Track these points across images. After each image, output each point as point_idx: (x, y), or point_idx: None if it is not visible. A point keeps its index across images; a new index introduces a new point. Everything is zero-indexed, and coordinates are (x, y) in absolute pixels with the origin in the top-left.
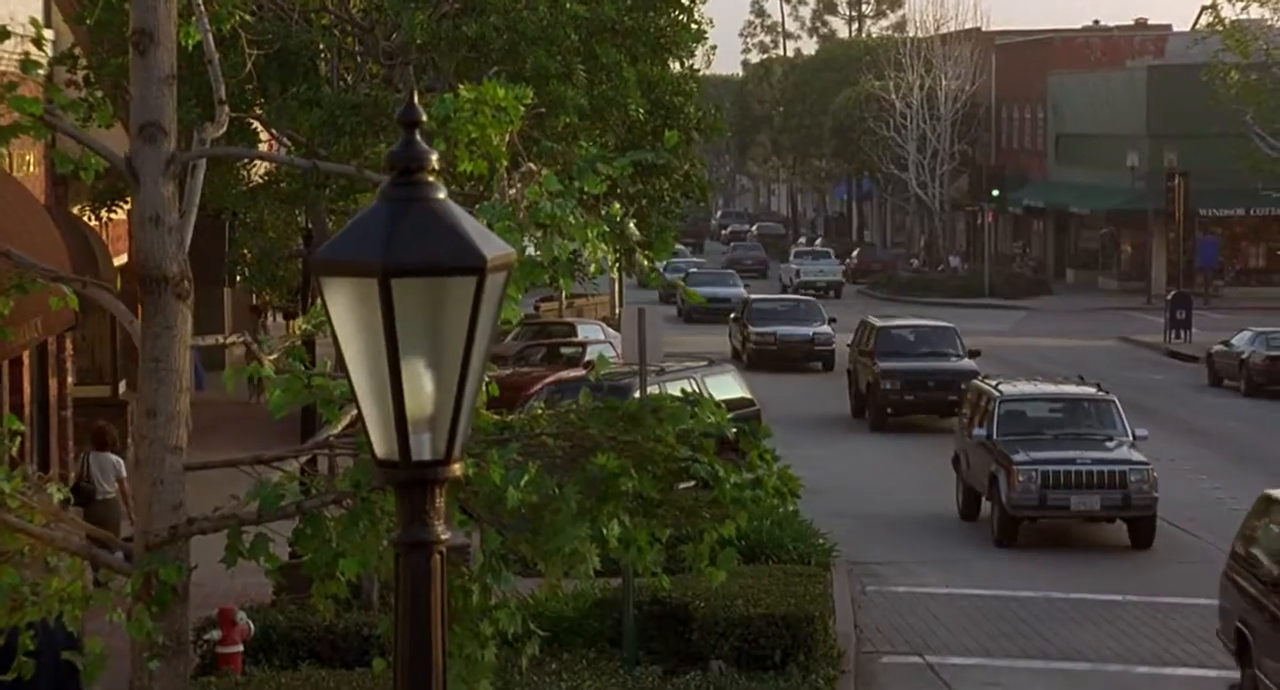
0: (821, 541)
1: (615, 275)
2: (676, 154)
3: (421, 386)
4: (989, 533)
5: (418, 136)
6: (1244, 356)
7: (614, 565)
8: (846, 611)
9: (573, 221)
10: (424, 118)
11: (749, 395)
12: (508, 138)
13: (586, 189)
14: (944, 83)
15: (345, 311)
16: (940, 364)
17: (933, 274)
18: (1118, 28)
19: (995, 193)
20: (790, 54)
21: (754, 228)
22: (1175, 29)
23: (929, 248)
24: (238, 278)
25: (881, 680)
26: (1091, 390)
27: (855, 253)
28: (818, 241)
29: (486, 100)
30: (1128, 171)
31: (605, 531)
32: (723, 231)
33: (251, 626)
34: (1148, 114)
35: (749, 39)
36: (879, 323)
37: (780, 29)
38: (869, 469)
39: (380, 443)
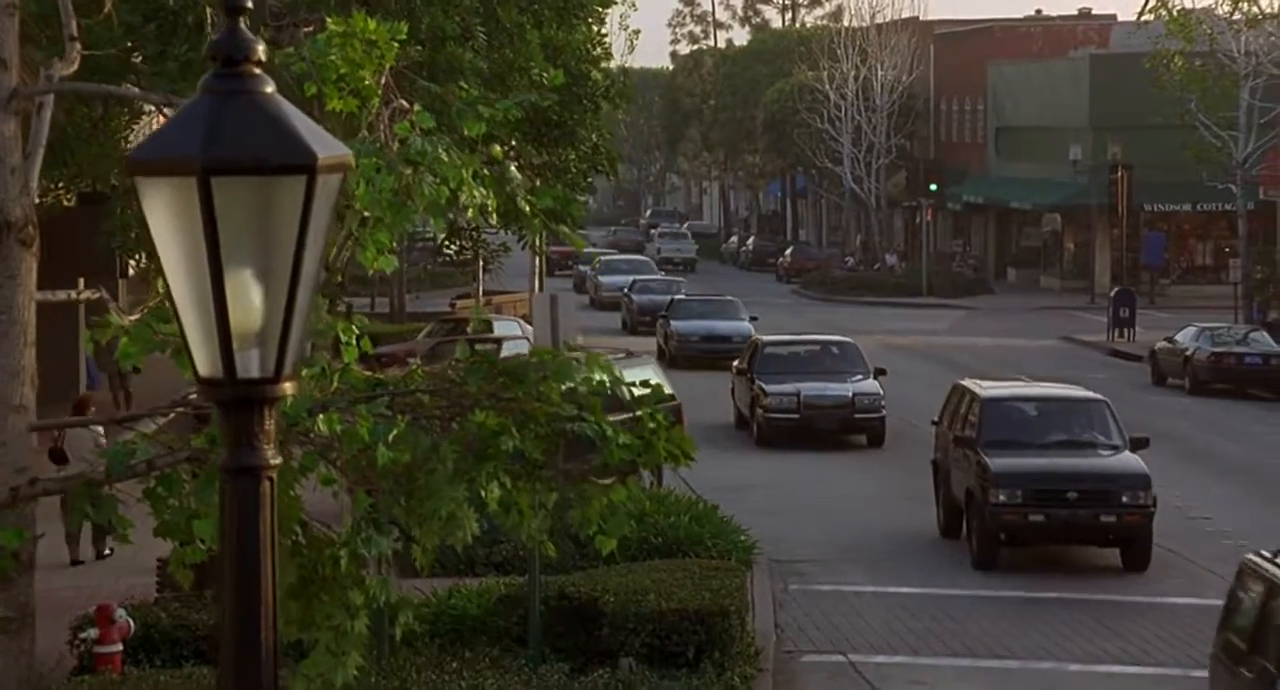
0: (743, 538)
1: (537, 268)
2: (566, 98)
3: (248, 298)
4: (925, 531)
5: (243, 24)
6: (1188, 353)
7: (523, 563)
8: (767, 609)
9: (445, 159)
10: (249, 4)
11: (669, 390)
12: (382, 77)
13: (466, 131)
14: (880, 73)
15: (163, 216)
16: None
17: (868, 273)
18: (1060, 17)
19: (933, 187)
20: (721, 45)
21: (684, 226)
22: (1120, 19)
23: (865, 246)
24: (130, 264)
25: (802, 679)
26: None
27: (788, 251)
28: (750, 240)
29: (356, 34)
30: (1070, 165)
31: (484, 494)
32: (652, 232)
33: (132, 624)
34: (1091, 105)
35: (678, 29)
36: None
37: (711, 19)
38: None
39: (203, 360)
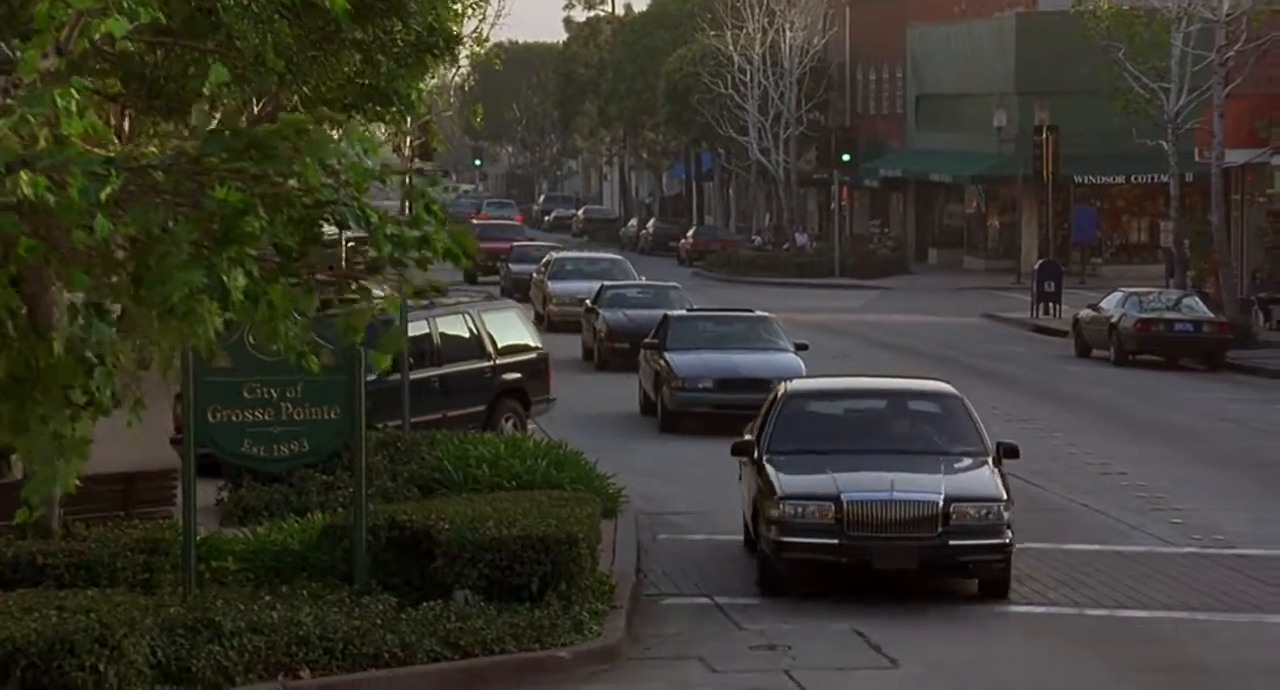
0: (609, 485)
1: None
2: None
3: None
4: None
5: None
6: (1113, 320)
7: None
8: (629, 553)
9: None
10: None
11: (534, 341)
12: None
13: None
14: (789, 35)
15: None
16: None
17: (777, 253)
18: None
19: (846, 157)
20: (620, 12)
21: (581, 212)
22: None
23: (776, 229)
24: None
25: (662, 617)
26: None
27: (690, 232)
28: (650, 223)
29: None
30: (994, 134)
31: (228, 281)
32: (545, 218)
33: None
34: (1017, 68)
35: None
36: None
37: None
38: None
39: None
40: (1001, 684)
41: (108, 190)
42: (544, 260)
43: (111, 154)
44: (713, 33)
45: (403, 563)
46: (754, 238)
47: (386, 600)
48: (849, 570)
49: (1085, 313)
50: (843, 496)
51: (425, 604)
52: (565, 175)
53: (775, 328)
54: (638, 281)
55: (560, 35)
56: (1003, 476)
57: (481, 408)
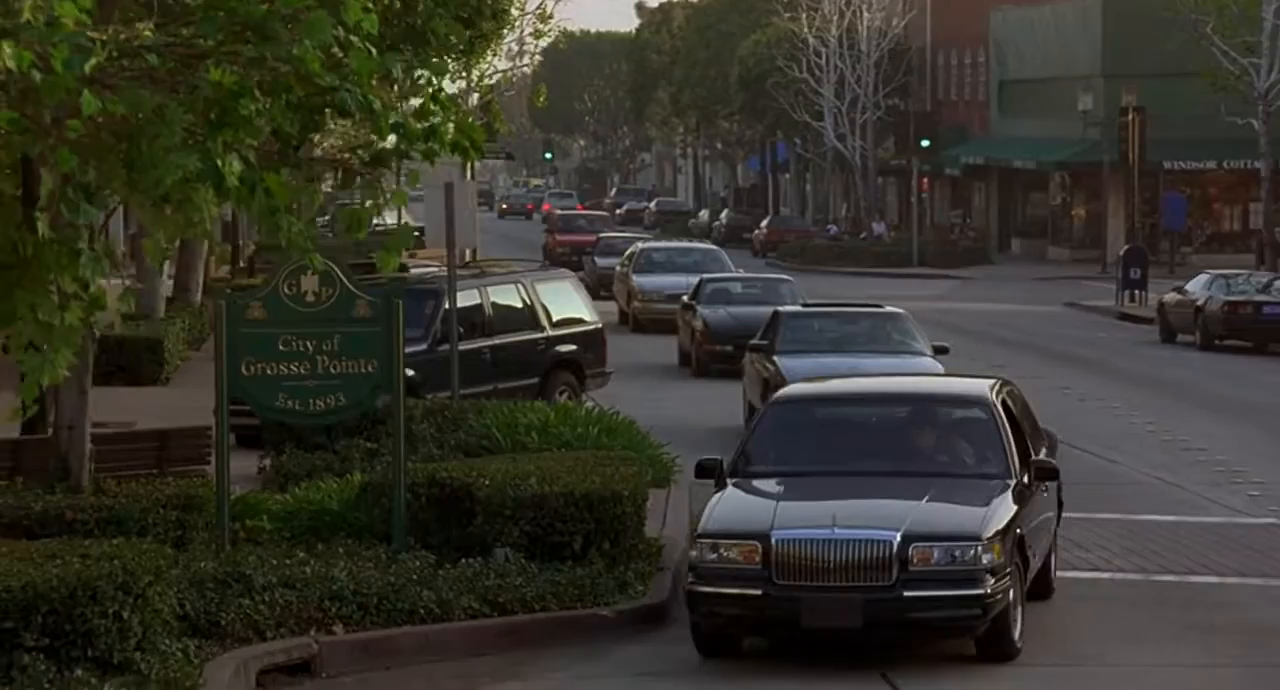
0: (663, 454)
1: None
2: None
3: None
4: None
5: None
6: (1199, 304)
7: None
8: (681, 521)
9: None
10: None
11: (590, 313)
12: None
13: None
14: (866, 17)
15: None
16: None
17: (853, 242)
18: None
19: (925, 143)
20: None
21: (653, 204)
22: None
23: (855, 222)
24: None
25: None
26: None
27: (764, 223)
28: (724, 214)
29: None
30: (1080, 119)
31: (223, 166)
32: (616, 212)
33: None
34: (1103, 50)
35: None
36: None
37: None
38: None
39: None
40: (1064, 639)
41: (93, 62)
42: (628, 253)
43: (103, 37)
44: (788, 15)
45: (443, 522)
46: (830, 227)
47: (424, 557)
48: (775, 630)
49: (1170, 296)
50: (772, 535)
51: (464, 561)
52: (638, 168)
53: (909, 326)
54: (742, 274)
55: (632, 24)
56: (1023, 503)
57: (534, 380)
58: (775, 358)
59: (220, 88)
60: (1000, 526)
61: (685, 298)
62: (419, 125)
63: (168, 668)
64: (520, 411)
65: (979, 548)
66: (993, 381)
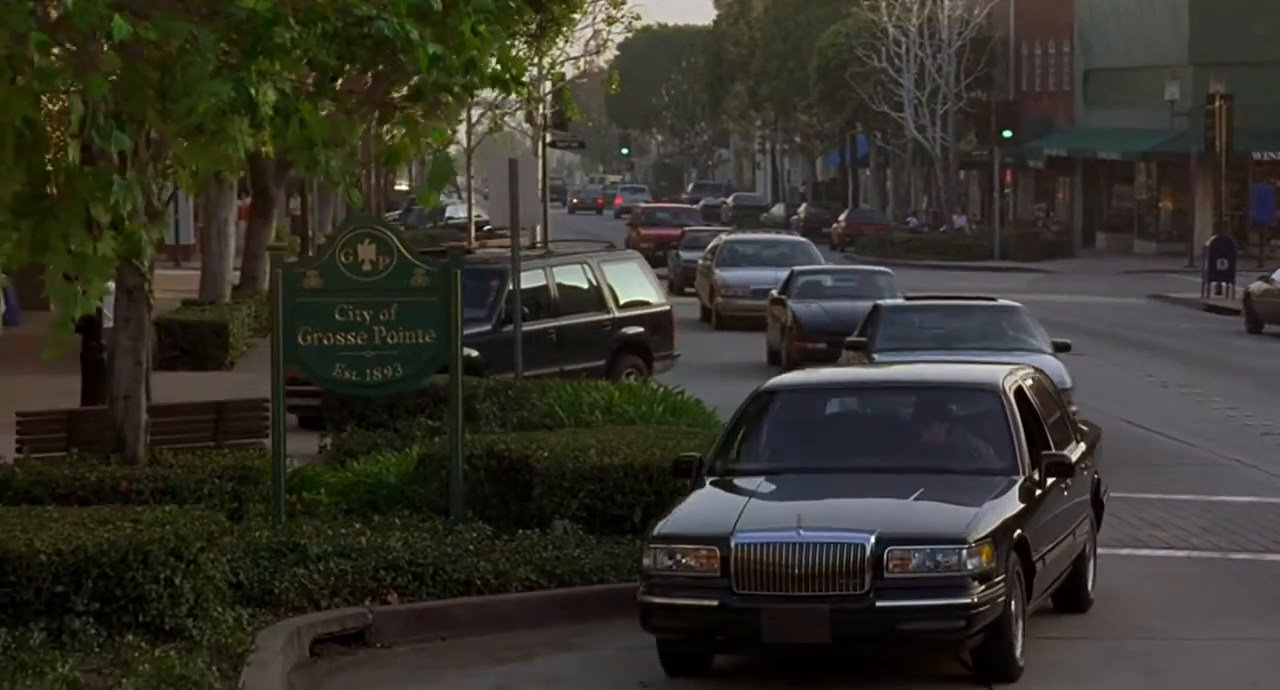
0: None
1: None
2: None
3: None
4: None
5: None
6: None
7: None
8: None
9: None
10: None
11: (658, 295)
12: None
13: None
14: (947, 5)
15: None
16: None
17: (933, 235)
18: None
19: (1007, 134)
20: None
21: (730, 199)
22: None
23: (936, 217)
24: None
25: None
26: None
27: (843, 216)
28: (802, 207)
29: None
30: (1167, 107)
31: (256, 95)
32: (694, 205)
33: None
34: (1190, 38)
35: None
36: None
37: None
38: None
39: None
40: (1132, 613)
41: None
42: (710, 245)
43: None
44: (867, 4)
45: (501, 495)
46: (909, 220)
47: (481, 529)
48: (735, 645)
49: (1257, 286)
50: (732, 539)
51: (521, 532)
52: (716, 164)
53: (1025, 321)
54: (836, 267)
55: (709, 16)
56: (1031, 501)
57: (601, 362)
58: (875, 357)
59: (254, 15)
60: (992, 527)
61: (774, 292)
62: (450, 52)
63: (220, 634)
64: (584, 390)
65: (964, 551)
66: (1009, 369)
